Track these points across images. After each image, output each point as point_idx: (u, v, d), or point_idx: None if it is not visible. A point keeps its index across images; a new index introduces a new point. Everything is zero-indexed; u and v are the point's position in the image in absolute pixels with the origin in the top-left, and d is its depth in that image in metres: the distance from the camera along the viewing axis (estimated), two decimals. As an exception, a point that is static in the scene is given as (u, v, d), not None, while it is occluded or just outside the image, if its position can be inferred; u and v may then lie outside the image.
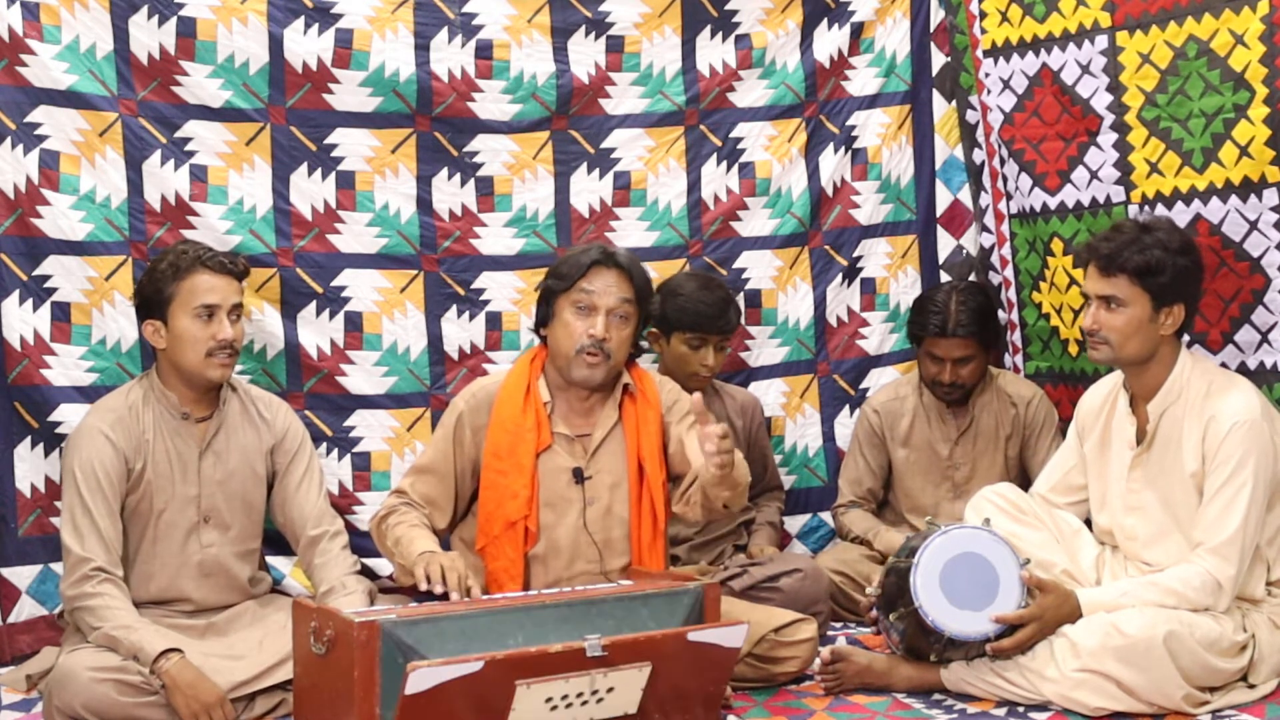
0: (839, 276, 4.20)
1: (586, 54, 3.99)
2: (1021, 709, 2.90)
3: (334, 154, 3.80)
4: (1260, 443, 2.93)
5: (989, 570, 2.92)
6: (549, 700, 2.49)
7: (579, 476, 3.10)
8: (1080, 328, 3.16)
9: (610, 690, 2.54)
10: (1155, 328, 3.02)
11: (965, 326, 3.77)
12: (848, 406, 4.21)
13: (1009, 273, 4.09)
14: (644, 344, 3.40)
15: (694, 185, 4.08)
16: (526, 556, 3.06)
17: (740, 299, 4.07)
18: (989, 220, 4.15)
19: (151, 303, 3.13)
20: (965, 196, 4.25)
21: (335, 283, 3.80)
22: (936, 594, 2.92)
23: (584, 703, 2.53)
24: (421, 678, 2.34)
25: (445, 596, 2.75)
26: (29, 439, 3.48)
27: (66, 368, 3.51)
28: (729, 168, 4.11)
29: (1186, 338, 3.50)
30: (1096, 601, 2.93)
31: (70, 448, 3.11)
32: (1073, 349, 3.91)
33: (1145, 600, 2.89)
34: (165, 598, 3.13)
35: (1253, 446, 2.91)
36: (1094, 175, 3.70)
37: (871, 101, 4.21)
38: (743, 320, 3.99)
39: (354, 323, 3.82)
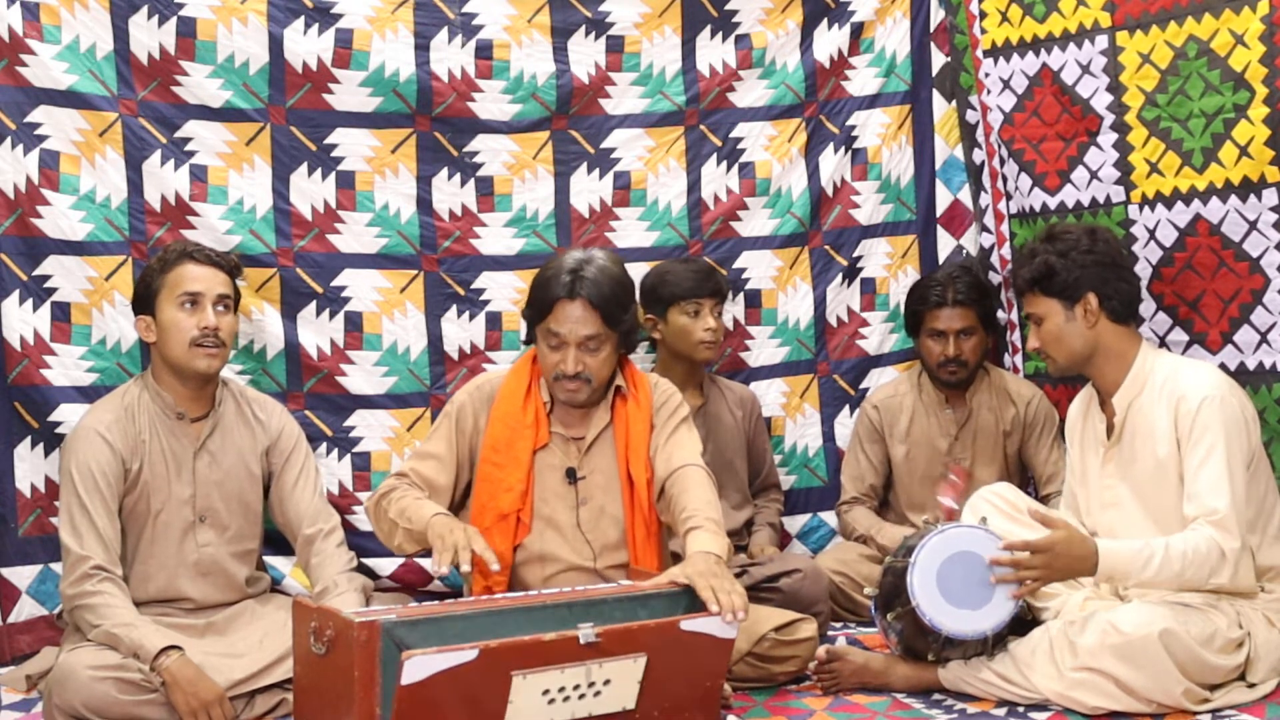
0: (839, 276, 4.20)
1: (586, 54, 3.99)
2: (1021, 709, 2.89)
3: (334, 154, 3.80)
4: (1231, 415, 2.94)
5: (986, 569, 2.91)
6: (546, 693, 2.49)
7: (571, 476, 3.12)
8: None
9: (607, 683, 2.54)
10: (1078, 324, 3.09)
11: (963, 294, 3.84)
12: (848, 406, 4.21)
13: (1009, 273, 4.09)
14: (640, 340, 3.41)
15: (694, 185, 4.08)
16: (516, 551, 3.07)
17: (740, 299, 4.10)
18: (989, 220, 4.15)
19: (142, 298, 3.15)
20: (965, 196, 4.25)
21: (335, 283, 3.80)
22: (933, 593, 2.91)
23: (581, 696, 2.53)
24: (417, 666, 2.35)
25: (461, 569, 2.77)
26: (29, 439, 3.48)
27: (66, 368, 3.52)
28: (729, 168, 4.11)
29: (1186, 338, 3.51)
30: (1114, 551, 2.87)
31: (67, 449, 3.11)
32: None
33: (1161, 565, 2.84)
34: (164, 597, 3.14)
35: (1225, 420, 2.92)
36: (1094, 175, 3.70)
37: (871, 101, 4.21)
38: (729, 285, 3.97)
39: (354, 323, 3.82)
